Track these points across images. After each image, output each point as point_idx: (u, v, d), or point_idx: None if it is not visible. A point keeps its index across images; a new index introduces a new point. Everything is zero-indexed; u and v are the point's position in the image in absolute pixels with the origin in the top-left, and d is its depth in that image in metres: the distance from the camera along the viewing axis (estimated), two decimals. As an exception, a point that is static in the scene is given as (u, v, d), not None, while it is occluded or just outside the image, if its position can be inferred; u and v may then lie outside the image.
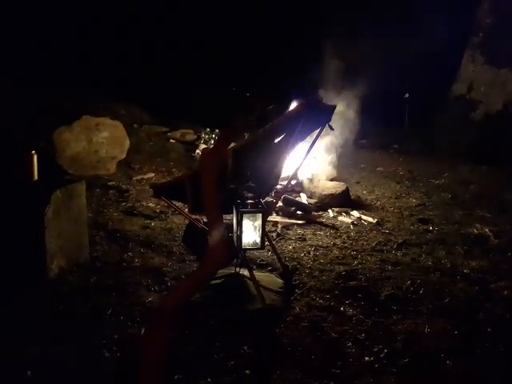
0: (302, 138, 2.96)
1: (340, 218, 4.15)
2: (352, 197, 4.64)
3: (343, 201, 4.45)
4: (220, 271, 2.73)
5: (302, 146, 3.08)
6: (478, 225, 3.97)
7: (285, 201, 4.28)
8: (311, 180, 4.66)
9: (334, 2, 6.75)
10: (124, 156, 5.50)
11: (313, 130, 2.97)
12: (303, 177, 4.70)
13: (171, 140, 6.52)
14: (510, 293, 2.88)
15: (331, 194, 4.45)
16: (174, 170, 5.56)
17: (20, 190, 2.84)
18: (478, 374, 2.18)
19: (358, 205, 4.51)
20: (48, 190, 2.83)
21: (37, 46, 6.36)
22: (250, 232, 2.51)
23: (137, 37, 7.43)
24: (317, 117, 2.76)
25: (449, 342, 2.39)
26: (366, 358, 2.26)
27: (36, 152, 2.90)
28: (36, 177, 2.90)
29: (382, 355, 2.28)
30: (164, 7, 7.69)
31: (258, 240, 2.53)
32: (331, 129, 2.84)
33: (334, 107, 2.86)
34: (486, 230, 3.85)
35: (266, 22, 7.30)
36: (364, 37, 5.50)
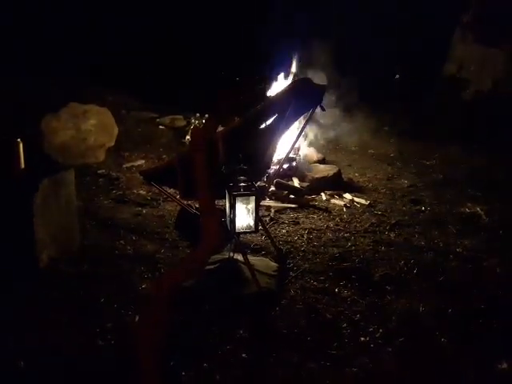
0: (294, 120, 2.93)
1: (333, 201, 4.14)
2: (344, 179, 4.63)
3: (335, 183, 4.43)
4: (214, 256, 2.71)
5: (293, 128, 3.05)
6: (469, 204, 3.99)
7: (277, 185, 4.25)
8: (303, 162, 4.63)
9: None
10: (113, 143, 5.37)
11: (304, 112, 2.93)
12: (295, 159, 4.67)
13: (160, 126, 6.42)
14: (502, 270, 2.91)
15: (323, 177, 4.43)
16: (164, 156, 5.49)
17: (6, 179, 2.78)
18: (472, 350, 2.20)
19: (351, 187, 4.49)
20: (36, 179, 2.78)
21: (24, 33, 6.21)
22: (244, 215, 2.49)
23: (123, 22, 7.28)
24: (308, 97, 2.72)
25: (443, 320, 2.41)
26: (362, 339, 2.27)
27: (22, 140, 2.84)
28: (23, 165, 2.84)
29: (377, 335, 2.30)
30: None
31: (252, 223, 2.51)
32: (323, 110, 2.80)
33: (325, 87, 2.82)
34: (478, 208, 3.87)
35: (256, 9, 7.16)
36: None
